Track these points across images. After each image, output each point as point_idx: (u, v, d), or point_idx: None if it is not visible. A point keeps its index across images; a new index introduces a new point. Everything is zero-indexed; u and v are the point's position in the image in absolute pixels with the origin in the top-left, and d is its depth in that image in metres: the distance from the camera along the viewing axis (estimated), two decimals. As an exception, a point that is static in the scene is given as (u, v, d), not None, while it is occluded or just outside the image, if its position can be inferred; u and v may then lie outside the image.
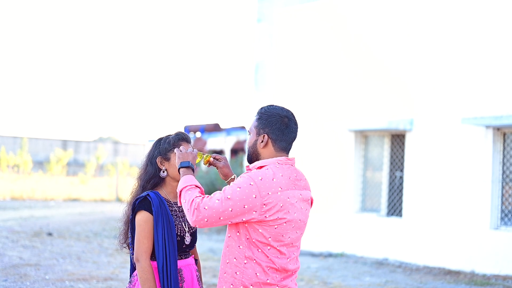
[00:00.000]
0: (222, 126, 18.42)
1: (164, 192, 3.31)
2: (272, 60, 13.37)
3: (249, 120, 14.22)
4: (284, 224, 2.89)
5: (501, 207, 9.83)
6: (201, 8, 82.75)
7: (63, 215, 17.87)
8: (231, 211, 2.79)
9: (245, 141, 16.80)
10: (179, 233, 3.24)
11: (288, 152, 3.07)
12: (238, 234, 2.90)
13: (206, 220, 2.79)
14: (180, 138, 3.31)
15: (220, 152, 17.80)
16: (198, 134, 18.94)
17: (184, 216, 3.30)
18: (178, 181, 3.25)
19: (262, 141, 3.01)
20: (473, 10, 10.15)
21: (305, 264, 10.39)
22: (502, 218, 9.83)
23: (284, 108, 3.06)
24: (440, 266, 10.23)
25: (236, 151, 17.18)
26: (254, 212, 2.82)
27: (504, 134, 9.91)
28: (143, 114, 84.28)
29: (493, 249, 9.67)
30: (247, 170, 2.99)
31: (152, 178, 3.29)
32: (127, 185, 29.31)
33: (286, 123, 3.04)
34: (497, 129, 9.85)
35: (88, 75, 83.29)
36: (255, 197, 2.80)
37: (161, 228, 3.15)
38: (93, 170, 36.80)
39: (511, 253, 9.48)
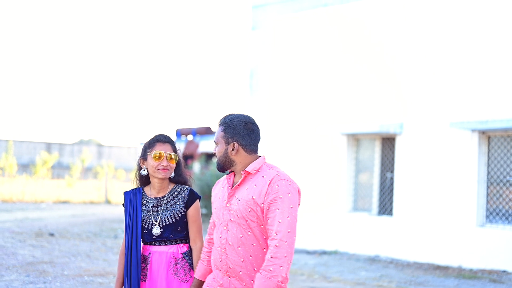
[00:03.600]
0: (213, 129, 18.93)
1: (149, 188, 3.73)
2: (266, 66, 13.92)
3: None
4: None
5: (487, 205, 10.49)
6: (197, 13, 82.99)
7: (56, 217, 18.19)
8: (297, 213, 3.12)
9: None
10: (146, 226, 3.63)
11: (257, 151, 3.30)
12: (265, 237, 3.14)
13: (295, 237, 3.05)
14: (155, 140, 3.68)
15: (212, 155, 18.31)
16: (190, 137, 19.41)
17: (157, 211, 3.65)
18: (156, 178, 3.66)
19: (233, 149, 3.20)
20: (461, 20, 10.80)
21: (303, 260, 10.95)
22: (487, 216, 10.48)
23: (245, 114, 3.28)
24: (429, 262, 10.85)
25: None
26: (299, 203, 3.18)
27: (489, 138, 10.57)
28: (131, 117, 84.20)
29: (479, 245, 10.32)
30: (246, 173, 3.19)
31: (139, 177, 3.74)
32: (115, 187, 29.65)
33: (251, 128, 3.24)
34: (482, 132, 10.51)
35: (70, 77, 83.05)
36: (298, 190, 3.18)
37: (127, 219, 3.64)
38: (78, 172, 37.01)
39: (496, 249, 10.13)
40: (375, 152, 12.15)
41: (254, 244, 3.12)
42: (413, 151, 11.30)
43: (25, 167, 38.48)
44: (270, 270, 2.96)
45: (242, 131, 3.20)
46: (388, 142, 12.01)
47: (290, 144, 13.18)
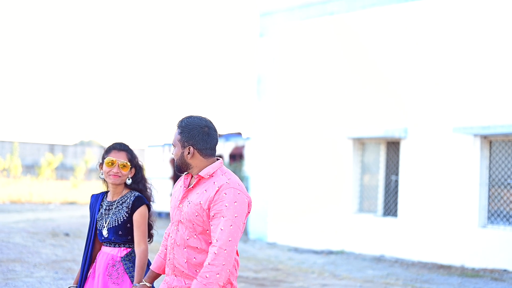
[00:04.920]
0: (220, 132, 19.42)
1: (109, 192, 3.97)
2: (273, 72, 14.39)
3: (250, 127, 15.21)
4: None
5: (488, 207, 10.97)
6: (206, 20, 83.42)
7: (66, 217, 18.61)
8: (244, 224, 3.15)
9: (243, 146, 17.79)
10: (99, 227, 3.87)
11: (215, 155, 3.31)
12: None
13: (235, 246, 3.10)
14: (112, 147, 3.88)
15: (220, 157, 18.72)
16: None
17: (108, 213, 3.85)
18: (110, 184, 3.86)
19: (189, 153, 3.21)
20: (461, 28, 11.27)
21: (312, 260, 11.43)
22: (489, 218, 10.97)
23: (202, 117, 3.27)
24: (433, 261, 11.32)
25: (234, 156, 18.18)
26: (247, 213, 3.22)
27: (491, 142, 11.05)
28: (134, 119, 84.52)
29: (481, 245, 10.80)
30: (199, 178, 3.22)
31: (104, 182, 3.97)
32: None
33: (207, 132, 3.22)
34: (484, 137, 10.99)
35: (71, 77, 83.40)
36: (247, 200, 3.21)
37: (90, 220, 3.94)
38: (83, 174, 37.44)
39: (497, 249, 10.61)
40: (380, 155, 12.62)
41: (199, 247, 3.18)
42: (417, 155, 11.77)
43: (29, 168, 38.90)
44: (206, 277, 3.02)
45: (197, 135, 3.20)
46: (393, 146, 12.48)
47: (297, 147, 13.65)
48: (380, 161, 12.61)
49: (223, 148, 18.24)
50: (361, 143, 12.93)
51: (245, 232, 15.16)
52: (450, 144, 11.29)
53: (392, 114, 12.17)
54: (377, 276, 9.82)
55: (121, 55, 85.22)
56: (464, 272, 10.37)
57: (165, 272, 3.36)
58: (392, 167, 12.47)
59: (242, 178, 16.32)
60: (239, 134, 19.27)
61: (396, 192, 12.31)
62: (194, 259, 3.17)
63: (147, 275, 3.52)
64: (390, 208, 12.41)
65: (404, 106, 12.01)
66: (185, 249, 3.19)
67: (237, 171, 16.55)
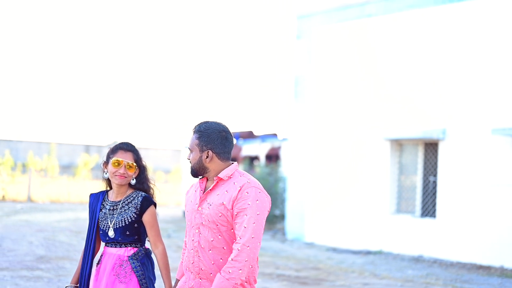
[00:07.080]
0: (255, 133, 19.66)
1: (111, 191, 3.93)
2: (310, 74, 14.54)
3: (287, 128, 15.39)
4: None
5: (528, 208, 10.98)
6: (244, 22, 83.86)
7: (105, 217, 19.01)
8: (264, 221, 3.25)
9: (279, 147, 17.98)
10: (103, 227, 3.82)
11: (230, 159, 3.39)
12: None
13: (259, 243, 3.19)
14: (118, 147, 3.86)
15: (255, 158, 19.00)
16: (234, 141, 20.12)
17: (113, 214, 3.81)
18: (115, 184, 3.81)
19: (207, 157, 3.29)
20: (501, 29, 11.29)
21: (350, 260, 11.56)
22: (529, 219, 10.97)
23: (218, 122, 3.37)
24: (472, 261, 11.36)
25: (270, 157, 18.39)
26: (268, 211, 3.33)
27: (530, 143, 11.06)
28: (169, 120, 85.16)
29: (521, 246, 10.81)
30: (218, 179, 3.29)
31: (106, 180, 3.94)
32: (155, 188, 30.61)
33: (225, 137, 3.32)
34: (524, 138, 11.00)
35: (105, 80, 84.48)
36: (267, 198, 3.32)
37: (90, 219, 3.90)
38: (118, 174, 37.97)
39: (537, 249, 10.61)
40: (418, 156, 12.68)
41: (225, 248, 3.25)
42: (455, 156, 11.81)
43: (66, 168, 39.60)
44: (229, 272, 3.11)
45: (216, 139, 3.29)
46: (431, 147, 12.54)
47: (334, 148, 13.78)
48: (418, 162, 12.67)
49: (259, 149, 18.45)
50: (399, 144, 13.01)
51: (283, 232, 15.33)
52: (489, 146, 11.32)
53: (431, 115, 12.22)
54: (417, 276, 9.91)
55: (157, 56, 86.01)
56: (504, 273, 10.39)
57: (186, 275, 3.40)
58: (430, 168, 12.52)
59: (279, 179, 16.51)
60: (275, 135, 19.47)
61: (434, 193, 12.36)
62: (221, 260, 3.24)
63: (175, 285, 3.55)
64: (428, 209, 12.47)
65: (443, 108, 12.06)
66: (210, 251, 3.26)
67: (274, 172, 16.74)
